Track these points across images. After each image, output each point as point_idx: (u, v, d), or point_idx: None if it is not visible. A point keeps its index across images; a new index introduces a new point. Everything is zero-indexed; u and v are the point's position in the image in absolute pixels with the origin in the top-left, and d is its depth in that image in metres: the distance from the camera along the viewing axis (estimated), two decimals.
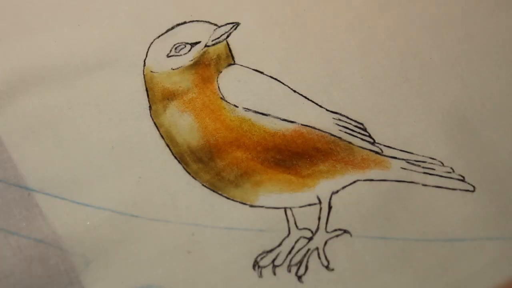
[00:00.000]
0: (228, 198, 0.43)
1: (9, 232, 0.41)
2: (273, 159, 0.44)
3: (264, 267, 0.41)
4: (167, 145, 0.45)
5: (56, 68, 0.47)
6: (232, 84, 0.47)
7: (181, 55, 0.48)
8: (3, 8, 0.48)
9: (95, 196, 0.43)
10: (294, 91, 0.47)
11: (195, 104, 0.46)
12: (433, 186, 0.44)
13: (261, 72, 0.47)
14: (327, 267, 0.42)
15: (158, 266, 0.41)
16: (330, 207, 0.43)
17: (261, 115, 0.46)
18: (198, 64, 0.47)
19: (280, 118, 0.45)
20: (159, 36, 0.48)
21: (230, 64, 0.48)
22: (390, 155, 0.45)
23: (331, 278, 0.41)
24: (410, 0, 0.49)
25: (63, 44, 0.48)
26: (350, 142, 0.45)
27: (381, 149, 0.45)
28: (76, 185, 0.43)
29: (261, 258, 0.42)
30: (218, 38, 0.48)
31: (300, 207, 0.43)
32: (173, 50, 0.48)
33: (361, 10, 0.49)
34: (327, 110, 0.46)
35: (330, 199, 0.43)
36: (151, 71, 0.47)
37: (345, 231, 0.43)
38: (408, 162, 0.45)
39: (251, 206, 0.43)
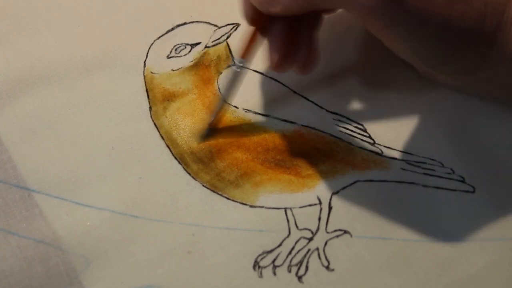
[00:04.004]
0: (228, 199, 0.43)
1: (9, 232, 0.41)
2: (273, 160, 0.44)
3: (265, 267, 0.41)
4: (167, 146, 0.45)
5: (56, 68, 0.47)
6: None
7: (181, 56, 0.48)
8: (3, 8, 0.48)
9: (95, 197, 0.43)
10: (294, 91, 0.47)
11: (195, 105, 0.46)
12: (433, 187, 0.44)
13: (261, 73, 0.47)
14: (327, 268, 0.42)
15: (158, 266, 0.41)
16: (330, 208, 0.43)
17: (261, 116, 0.46)
18: (198, 65, 0.47)
19: (280, 119, 0.46)
20: (159, 37, 0.48)
21: (230, 65, 0.48)
22: (390, 156, 0.45)
23: (331, 278, 0.41)
24: None
25: (63, 44, 0.48)
26: (350, 143, 0.45)
27: (381, 150, 0.45)
28: (76, 185, 0.43)
29: (262, 258, 0.42)
30: (218, 39, 0.48)
31: (300, 207, 0.43)
32: (173, 51, 0.48)
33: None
34: (327, 110, 0.46)
35: (330, 199, 0.43)
36: (152, 72, 0.47)
37: (345, 232, 0.43)
38: (408, 163, 0.45)
39: (251, 206, 0.43)
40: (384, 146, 0.45)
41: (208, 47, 0.48)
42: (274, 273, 0.41)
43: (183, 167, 0.44)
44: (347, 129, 0.45)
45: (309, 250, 0.42)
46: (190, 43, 0.48)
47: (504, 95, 0.45)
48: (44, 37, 0.48)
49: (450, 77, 0.44)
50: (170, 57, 0.48)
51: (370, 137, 0.45)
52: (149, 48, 0.48)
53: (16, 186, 0.43)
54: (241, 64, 0.43)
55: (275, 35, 0.41)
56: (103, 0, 0.49)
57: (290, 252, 0.42)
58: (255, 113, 0.46)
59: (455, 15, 0.38)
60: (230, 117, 0.46)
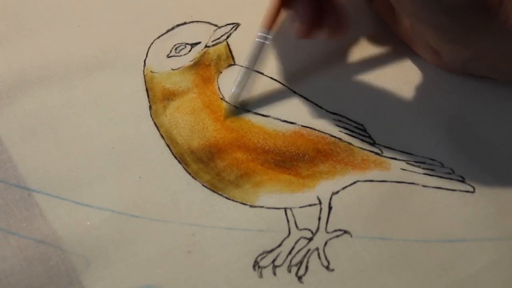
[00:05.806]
0: (228, 199, 0.43)
1: (9, 232, 0.41)
2: (273, 160, 0.44)
3: (264, 267, 0.41)
4: (167, 145, 0.45)
5: (56, 68, 0.47)
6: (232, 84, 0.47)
7: (181, 55, 0.48)
8: (3, 8, 0.49)
9: (95, 196, 0.43)
10: (294, 92, 0.47)
11: (195, 104, 0.46)
12: (433, 187, 0.44)
13: (261, 73, 0.47)
14: (327, 268, 0.42)
15: (158, 266, 0.41)
16: (330, 208, 0.43)
17: (261, 116, 0.46)
18: (198, 64, 0.47)
19: (280, 119, 0.46)
20: (159, 37, 0.48)
21: (230, 65, 0.48)
22: (390, 156, 0.45)
23: (331, 278, 0.41)
24: None
25: (63, 44, 0.48)
26: (350, 143, 0.45)
27: (381, 150, 0.45)
28: (76, 185, 0.43)
29: (261, 258, 0.42)
30: (218, 38, 0.48)
31: (300, 207, 0.43)
32: (173, 50, 0.48)
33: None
34: (327, 111, 0.46)
35: (330, 199, 0.43)
36: (151, 71, 0.47)
37: (345, 232, 0.43)
38: (408, 163, 0.45)
39: (251, 206, 0.43)
40: (384, 146, 0.45)
41: (208, 46, 0.48)
42: (274, 273, 0.41)
43: (183, 167, 0.44)
44: (347, 129, 0.45)
45: (309, 250, 0.42)
46: (190, 42, 0.48)
47: (505, 77, 0.46)
48: (44, 37, 0.48)
49: (453, 45, 0.43)
50: (170, 57, 0.48)
51: (370, 137, 0.45)
52: (149, 48, 0.48)
53: (16, 186, 0.43)
54: (265, 35, 0.43)
55: (302, 3, 0.42)
56: (103, 0, 0.49)
57: (290, 252, 0.42)
58: (255, 113, 0.46)
59: None
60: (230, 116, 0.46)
